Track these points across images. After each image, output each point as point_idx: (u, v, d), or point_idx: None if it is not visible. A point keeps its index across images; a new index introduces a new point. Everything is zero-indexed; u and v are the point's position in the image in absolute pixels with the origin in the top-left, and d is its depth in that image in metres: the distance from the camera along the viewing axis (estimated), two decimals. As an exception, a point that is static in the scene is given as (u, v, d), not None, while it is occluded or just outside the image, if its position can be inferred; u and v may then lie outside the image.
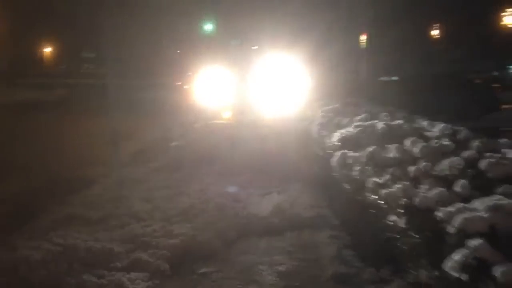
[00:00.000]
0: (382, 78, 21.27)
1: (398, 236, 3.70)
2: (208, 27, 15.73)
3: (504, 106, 16.10)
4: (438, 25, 25.65)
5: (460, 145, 4.85)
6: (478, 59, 24.54)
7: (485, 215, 2.92)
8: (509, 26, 27.63)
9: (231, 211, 6.47)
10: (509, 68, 33.82)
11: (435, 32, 26.05)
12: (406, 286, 3.93)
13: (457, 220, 2.97)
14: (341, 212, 5.66)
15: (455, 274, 2.75)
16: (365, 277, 4.66)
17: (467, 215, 2.99)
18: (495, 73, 25.76)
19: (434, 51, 24.73)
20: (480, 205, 3.06)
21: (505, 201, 3.06)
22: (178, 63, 10.84)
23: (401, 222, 3.67)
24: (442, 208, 3.23)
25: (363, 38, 22.30)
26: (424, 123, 6.37)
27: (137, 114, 11.77)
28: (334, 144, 6.04)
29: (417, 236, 3.39)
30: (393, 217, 3.80)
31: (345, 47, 21.45)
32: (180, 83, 15.26)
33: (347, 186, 5.20)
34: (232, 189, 7.40)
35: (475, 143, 4.81)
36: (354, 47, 22.81)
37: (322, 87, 12.80)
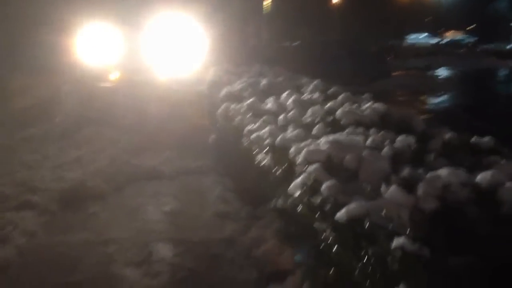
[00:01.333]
0: (284, 44, 22.08)
1: (265, 173, 4.37)
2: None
3: (394, 73, 17.45)
4: (339, -8, 26.81)
5: (327, 99, 5.60)
6: (378, 27, 25.89)
7: (324, 148, 3.63)
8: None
9: (121, 161, 6.95)
10: (406, 38, 35.97)
11: (336, 0, 27.19)
12: (273, 218, 4.65)
13: (303, 153, 3.67)
14: (224, 158, 6.30)
15: (296, 194, 3.45)
16: (242, 214, 5.37)
17: (311, 148, 3.69)
18: (393, 42, 27.44)
19: (333, 18, 25.85)
20: (324, 141, 3.77)
21: (341, 137, 3.80)
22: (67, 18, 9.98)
23: (267, 161, 4.34)
24: (294, 144, 3.92)
25: (267, 2, 22.92)
26: (304, 81, 7.09)
27: (28, 72, 11.65)
28: (220, 99, 6.63)
29: (277, 170, 4.07)
30: (261, 156, 4.46)
31: (247, 10, 21.88)
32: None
33: (228, 134, 5.83)
34: (122, 144, 7.79)
35: (340, 97, 5.57)
36: (256, 10, 23.31)
37: (222, 50, 12.98)
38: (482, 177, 2.89)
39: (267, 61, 15.10)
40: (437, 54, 28.81)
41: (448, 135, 4.09)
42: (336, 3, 27.33)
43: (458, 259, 2.37)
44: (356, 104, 5.12)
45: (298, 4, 24.02)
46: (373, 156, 3.38)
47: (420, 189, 2.85)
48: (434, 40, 40.01)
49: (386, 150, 3.67)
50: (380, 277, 2.51)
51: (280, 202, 4.06)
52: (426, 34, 40.10)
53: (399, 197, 2.83)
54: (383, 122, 4.69)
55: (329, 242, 2.98)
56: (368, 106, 5.05)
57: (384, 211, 2.75)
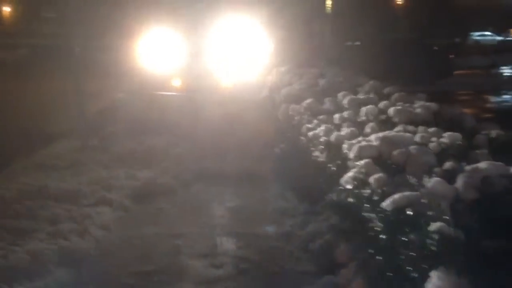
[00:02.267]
0: (347, 43, 22.24)
1: (321, 167, 4.72)
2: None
3: (457, 72, 17.31)
4: (403, -10, 26.58)
5: (382, 98, 5.87)
6: (441, 25, 25.53)
7: (375, 144, 3.95)
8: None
9: (188, 160, 7.46)
10: (470, 35, 35.19)
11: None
12: (329, 213, 4.98)
13: (355, 149, 4.00)
14: (283, 154, 6.67)
15: (348, 186, 3.78)
16: (300, 210, 5.73)
17: (363, 144, 4.01)
18: (456, 40, 26.99)
19: (396, 17, 25.70)
20: (374, 138, 4.08)
21: (392, 134, 4.11)
22: (135, 23, 9.65)
23: (322, 156, 4.69)
24: (347, 141, 4.25)
25: (329, 2, 23.12)
26: (362, 81, 7.37)
27: (98, 76, 12.27)
28: (280, 100, 7.01)
29: (331, 165, 4.41)
30: (317, 153, 4.81)
31: (310, 10, 22.06)
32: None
33: (288, 134, 6.21)
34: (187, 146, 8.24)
35: (394, 96, 5.83)
36: (320, 10, 23.52)
37: (286, 51, 13.05)
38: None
39: (330, 61, 15.38)
40: (502, 52, 28.15)
41: (495, 132, 4.30)
42: (399, 0, 27.16)
43: (491, 242, 2.65)
44: (409, 104, 5.36)
45: (362, 3, 24.08)
46: (419, 151, 3.67)
47: (460, 180, 3.12)
48: (499, 37, 38.99)
49: (433, 145, 3.95)
50: (421, 259, 2.82)
51: (334, 196, 4.40)
52: (491, 31, 39.11)
53: (440, 188, 3.11)
54: (435, 120, 4.94)
55: (377, 230, 3.30)
56: (420, 104, 5.30)
57: (425, 200, 3.05)
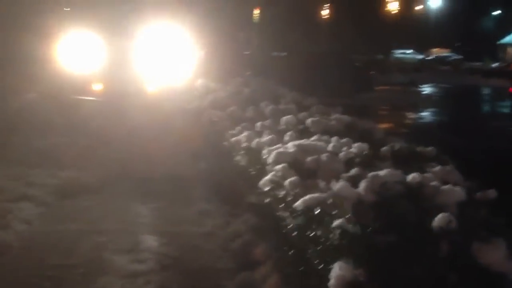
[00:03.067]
0: (273, 53, 22.89)
1: (242, 171, 5.10)
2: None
3: (377, 88, 18.32)
4: (328, 5, 27.70)
5: (301, 109, 6.36)
6: (366, 41, 26.71)
7: (291, 150, 4.38)
8: (393, 12, 30.53)
9: (111, 162, 7.63)
10: (392, 53, 37.01)
11: (325, 12, 28.07)
12: (249, 214, 5.36)
13: (273, 155, 4.41)
14: (206, 158, 7.02)
15: (265, 189, 4.18)
16: (222, 211, 6.09)
17: (280, 151, 4.44)
18: (379, 56, 28.39)
19: (322, 30, 26.71)
20: (291, 145, 4.52)
21: (307, 142, 4.56)
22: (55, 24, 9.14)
23: (243, 161, 5.08)
24: (267, 148, 4.66)
25: (257, 12, 23.74)
26: (284, 92, 7.86)
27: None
28: (206, 106, 7.36)
29: (251, 169, 4.81)
30: (238, 157, 5.20)
31: (238, 19, 22.44)
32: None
33: (212, 139, 6.57)
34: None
35: (313, 108, 6.33)
36: (247, 19, 24.08)
37: (212, 59, 13.12)
38: (412, 177, 3.65)
39: (255, 70, 15.92)
40: (422, 70, 29.80)
41: (399, 144, 4.85)
42: (325, 15, 28.24)
43: (383, 236, 3.11)
44: (325, 115, 5.87)
45: (288, 15, 24.86)
46: (329, 159, 4.13)
47: (362, 185, 3.59)
48: (420, 56, 41.16)
49: (342, 154, 4.43)
50: (325, 252, 3.25)
51: (254, 199, 4.79)
52: (412, 50, 41.24)
53: (345, 191, 3.57)
54: (347, 131, 5.45)
55: (289, 227, 3.71)
56: (335, 117, 5.81)
57: (331, 201, 3.49)
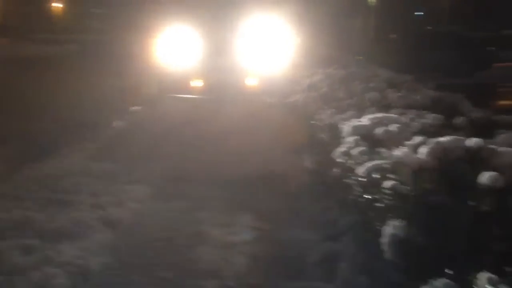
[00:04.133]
0: (391, 36, 22.61)
1: (323, 145, 5.45)
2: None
3: (497, 64, 17.53)
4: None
5: (391, 87, 6.54)
6: (485, 17, 25.53)
7: (364, 124, 4.65)
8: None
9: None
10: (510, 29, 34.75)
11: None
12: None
13: (347, 128, 4.71)
14: (299, 137, 7.37)
15: (338, 159, 4.50)
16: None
17: (354, 124, 4.72)
18: (500, 32, 26.92)
19: (441, 9, 25.91)
20: (366, 119, 4.78)
21: (381, 115, 4.80)
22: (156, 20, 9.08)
23: (325, 137, 5.42)
24: (344, 122, 4.96)
25: (373, -4, 23.59)
26: (379, 72, 8.02)
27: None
28: (302, 90, 7.74)
29: (330, 143, 5.13)
30: (322, 135, 5.54)
31: (350, 6, 22.41)
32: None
33: (303, 118, 6.95)
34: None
35: (404, 85, 6.49)
36: (361, 4, 23.97)
37: (316, 48, 12.78)
38: (473, 142, 3.79)
39: (367, 56, 15.95)
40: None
41: (478, 114, 4.93)
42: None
43: (435, 197, 3.34)
44: (413, 92, 6.02)
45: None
46: (399, 129, 4.36)
47: (423, 151, 3.80)
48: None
49: (415, 124, 4.62)
50: (381, 212, 3.53)
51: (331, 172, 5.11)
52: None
53: (406, 157, 3.80)
54: (432, 106, 5.58)
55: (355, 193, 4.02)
56: (422, 92, 5.95)
57: (392, 167, 3.75)
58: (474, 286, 2.54)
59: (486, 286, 2.46)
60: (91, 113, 9.55)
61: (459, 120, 4.81)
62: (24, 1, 27.57)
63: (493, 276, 2.52)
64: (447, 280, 2.75)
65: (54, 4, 31.04)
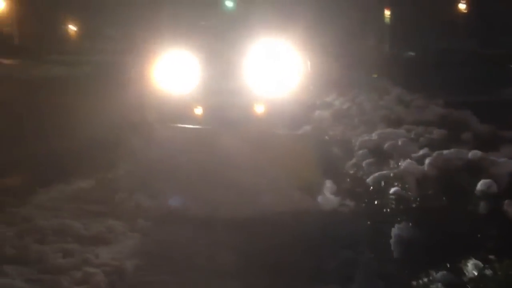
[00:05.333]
0: (408, 53, 23.05)
1: (336, 158, 5.91)
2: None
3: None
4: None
5: (400, 104, 7.02)
6: (504, 33, 25.85)
7: (373, 138, 5.13)
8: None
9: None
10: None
11: (462, 6, 27.59)
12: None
13: (358, 143, 5.20)
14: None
15: (349, 171, 4.98)
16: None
17: (364, 139, 5.21)
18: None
19: (459, 25, 26.30)
20: (375, 134, 5.27)
21: (388, 131, 5.28)
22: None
23: (337, 151, 5.89)
24: (354, 137, 5.45)
25: (387, 13, 24.09)
26: (391, 90, 8.50)
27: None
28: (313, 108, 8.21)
29: (343, 156, 5.61)
30: (335, 149, 6.02)
31: (365, 23, 22.81)
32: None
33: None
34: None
35: (412, 102, 6.97)
36: (377, 21, 24.41)
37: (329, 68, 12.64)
38: (473, 153, 4.25)
39: (382, 72, 16.36)
40: None
41: (482, 129, 5.40)
42: (460, 9, 27.75)
43: (435, 202, 3.80)
44: (421, 108, 6.50)
45: (421, 11, 24.79)
46: (404, 143, 4.84)
47: (426, 162, 4.27)
48: None
49: (422, 139, 5.10)
50: (387, 214, 3.99)
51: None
52: None
53: (410, 167, 4.27)
54: (439, 121, 6.06)
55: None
56: (430, 109, 6.42)
57: (397, 176, 4.22)
58: (466, 272, 2.99)
59: (473, 271, 2.92)
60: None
61: (465, 135, 5.26)
62: (39, 23, 28.55)
63: (478, 262, 2.97)
64: (445, 272, 3.18)
65: (69, 26, 32.02)
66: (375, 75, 15.87)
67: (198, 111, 7.72)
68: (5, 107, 11.75)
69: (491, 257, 3.02)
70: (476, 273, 2.93)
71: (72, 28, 31.29)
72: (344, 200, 5.34)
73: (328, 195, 6.11)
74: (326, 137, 6.64)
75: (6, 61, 23.93)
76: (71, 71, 21.06)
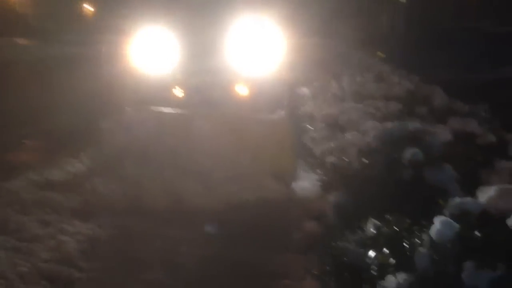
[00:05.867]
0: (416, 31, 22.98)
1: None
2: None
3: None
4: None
5: (377, 80, 7.26)
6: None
7: (333, 112, 5.41)
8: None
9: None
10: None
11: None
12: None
13: (320, 117, 5.48)
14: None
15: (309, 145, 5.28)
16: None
17: (324, 113, 5.48)
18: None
19: (469, 5, 26.11)
20: (336, 109, 5.54)
21: (349, 105, 5.55)
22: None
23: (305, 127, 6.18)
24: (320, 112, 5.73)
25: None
26: (378, 68, 8.72)
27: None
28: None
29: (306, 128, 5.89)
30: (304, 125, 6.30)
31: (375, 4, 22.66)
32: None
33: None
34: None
35: (388, 79, 7.20)
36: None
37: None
38: (412, 125, 4.51)
39: (392, 53, 16.43)
40: None
41: (443, 102, 5.64)
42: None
43: (368, 170, 4.09)
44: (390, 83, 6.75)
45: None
46: (358, 117, 5.12)
47: (371, 133, 4.55)
48: None
49: (378, 113, 5.37)
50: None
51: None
52: None
53: (355, 139, 4.56)
54: (404, 96, 6.30)
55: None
56: (401, 84, 6.66)
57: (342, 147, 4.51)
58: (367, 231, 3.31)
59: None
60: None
61: (420, 109, 5.51)
62: (54, 3, 29.11)
63: (377, 221, 3.29)
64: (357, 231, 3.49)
65: (85, 5, 32.47)
66: (381, 54, 15.99)
67: (176, 92, 7.58)
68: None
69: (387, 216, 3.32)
70: (374, 231, 3.24)
71: (88, 7, 31.81)
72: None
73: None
74: (299, 111, 6.92)
75: (20, 41, 24.47)
76: (85, 50, 21.51)
